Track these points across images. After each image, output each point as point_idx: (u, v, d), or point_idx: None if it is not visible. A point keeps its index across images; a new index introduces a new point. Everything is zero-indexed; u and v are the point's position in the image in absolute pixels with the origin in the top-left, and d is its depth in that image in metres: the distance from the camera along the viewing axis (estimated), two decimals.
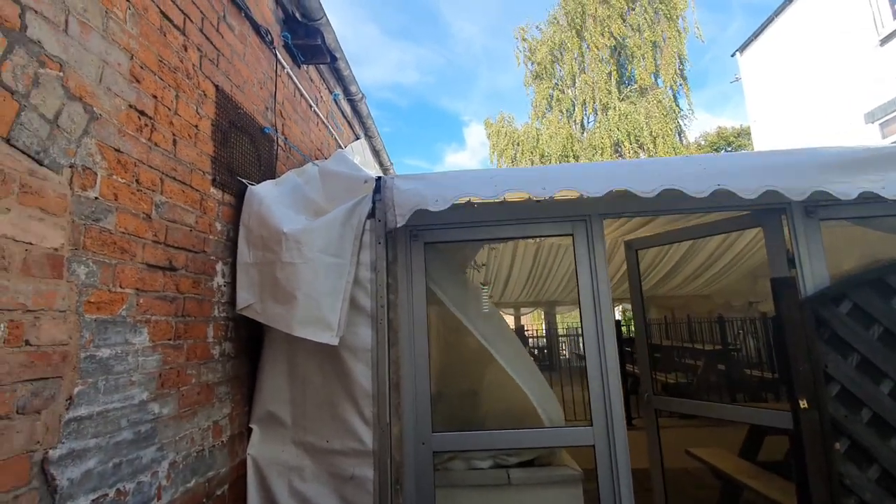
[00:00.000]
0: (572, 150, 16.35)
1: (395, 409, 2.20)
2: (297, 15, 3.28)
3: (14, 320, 1.21)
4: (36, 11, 1.29)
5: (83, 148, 1.44)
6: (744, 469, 3.25)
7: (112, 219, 1.55)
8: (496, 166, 17.32)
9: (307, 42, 3.29)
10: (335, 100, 4.46)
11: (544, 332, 12.46)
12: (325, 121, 4.07)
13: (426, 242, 2.44)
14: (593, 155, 15.84)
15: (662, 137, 15.34)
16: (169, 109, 1.87)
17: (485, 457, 2.47)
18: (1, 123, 1.19)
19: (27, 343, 1.24)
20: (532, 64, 18.12)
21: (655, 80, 16.36)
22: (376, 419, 2.17)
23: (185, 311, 1.94)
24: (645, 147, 15.48)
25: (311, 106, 3.69)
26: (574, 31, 16.86)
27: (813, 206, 2.28)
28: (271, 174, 2.78)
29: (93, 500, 1.44)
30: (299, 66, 3.46)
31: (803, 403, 2.08)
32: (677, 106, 16.33)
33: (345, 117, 4.86)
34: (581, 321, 2.37)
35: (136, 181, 1.67)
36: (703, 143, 21.97)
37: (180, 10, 1.99)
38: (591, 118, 17.23)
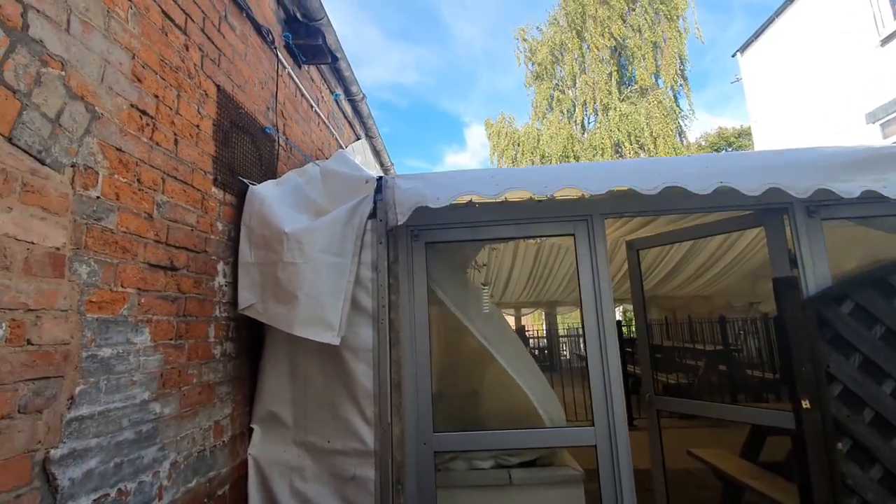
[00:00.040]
0: (573, 151, 16.34)
1: (397, 410, 2.20)
2: (299, 15, 3.28)
3: (16, 319, 1.20)
4: (38, 10, 1.29)
5: (85, 147, 1.44)
6: (745, 469, 3.24)
7: (114, 218, 1.55)
8: (497, 167, 17.31)
9: (308, 42, 3.29)
10: (336, 100, 4.46)
11: (545, 332, 12.47)
12: (326, 121, 4.07)
13: (427, 242, 2.44)
14: (594, 155, 15.83)
15: (663, 138, 15.33)
16: (170, 109, 1.87)
17: (486, 457, 2.47)
18: (3, 122, 1.19)
19: (29, 342, 1.24)
20: (532, 64, 18.12)
21: (656, 80, 16.35)
22: (377, 419, 2.17)
23: (187, 311, 1.94)
24: (645, 147, 15.47)
25: (312, 106, 3.69)
26: (574, 32, 16.85)
27: (815, 206, 2.27)
28: (272, 174, 2.78)
29: (94, 500, 1.43)
30: (300, 67, 3.46)
31: (805, 403, 2.08)
32: (678, 106, 16.33)
33: (346, 117, 4.86)
34: (582, 321, 2.36)
35: (138, 181, 1.67)
36: (703, 143, 21.96)
37: (182, 9, 1.99)
38: (592, 119, 17.24)
